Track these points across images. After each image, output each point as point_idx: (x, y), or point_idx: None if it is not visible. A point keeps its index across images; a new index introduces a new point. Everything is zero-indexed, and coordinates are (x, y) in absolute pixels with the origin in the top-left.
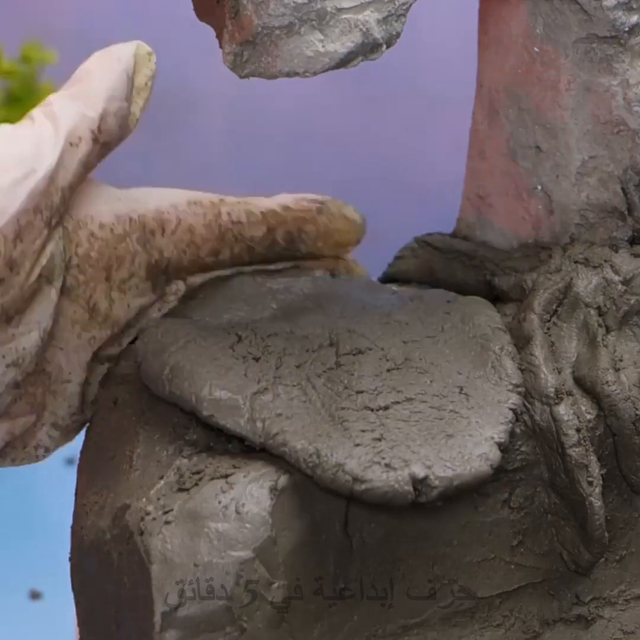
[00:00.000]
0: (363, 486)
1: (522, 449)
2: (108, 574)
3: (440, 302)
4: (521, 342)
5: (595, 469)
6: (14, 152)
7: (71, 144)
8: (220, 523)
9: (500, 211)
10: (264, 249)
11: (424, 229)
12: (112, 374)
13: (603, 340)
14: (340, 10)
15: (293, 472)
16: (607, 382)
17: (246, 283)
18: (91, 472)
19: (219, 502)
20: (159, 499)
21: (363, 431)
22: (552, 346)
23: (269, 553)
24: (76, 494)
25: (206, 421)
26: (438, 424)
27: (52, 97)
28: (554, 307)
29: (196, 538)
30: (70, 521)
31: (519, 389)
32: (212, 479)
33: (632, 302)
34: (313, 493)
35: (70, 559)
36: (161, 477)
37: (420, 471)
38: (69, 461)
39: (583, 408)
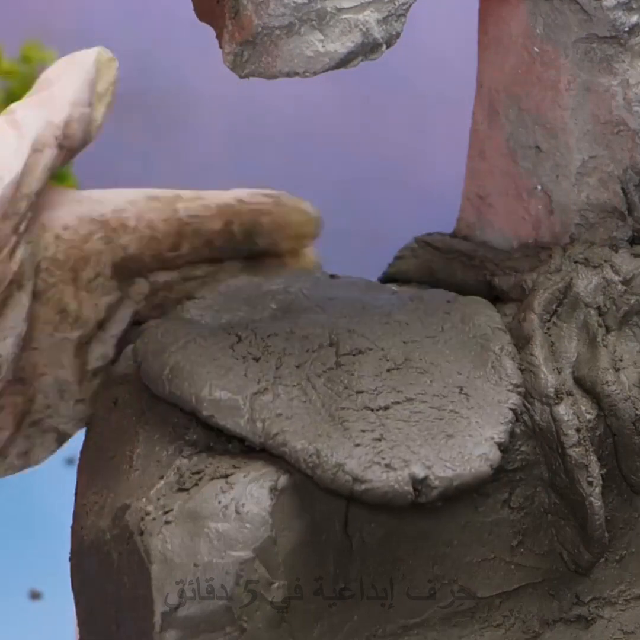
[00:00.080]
0: (363, 486)
1: (522, 449)
2: (108, 574)
3: (440, 302)
4: (521, 342)
5: (595, 469)
6: None
7: (36, 151)
8: (220, 523)
9: (500, 211)
10: (222, 242)
11: (424, 229)
12: (112, 374)
13: (603, 340)
14: (340, 10)
15: (293, 472)
16: (607, 382)
17: (245, 283)
18: (91, 472)
19: (219, 502)
20: (159, 499)
21: (363, 431)
22: (552, 346)
23: (269, 553)
24: (76, 494)
25: (206, 421)
26: (438, 424)
27: (15, 105)
28: (554, 307)
29: (196, 538)
30: (70, 521)
31: (519, 389)
32: (212, 479)
33: (632, 302)
34: (313, 493)
35: (70, 559)
36: (161, 477)
37: (420, 471)
38: (69, 461)
39: (583, 408)
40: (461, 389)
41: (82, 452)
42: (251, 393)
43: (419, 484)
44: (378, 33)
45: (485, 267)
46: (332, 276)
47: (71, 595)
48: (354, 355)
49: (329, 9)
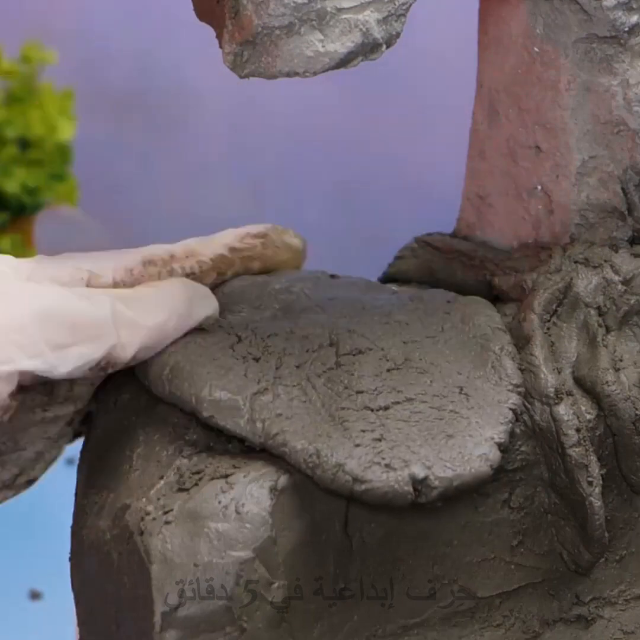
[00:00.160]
0: (363, 486)
1: (522, 449)
2: (108, 574)
3: (440, 302)
4: (521, 342)
5: (595, 469)
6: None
7: None
8: (220, 523)
9: (500, 211)
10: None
11: (424, 229)
12: (112, 374)
13: (603, 340)
14: (340, 10)
15: (293, 472)
16: (607, 382)
17: (249, 283)
18: (91, 472)
19: (219, 502)
20: (159, 499)
21: (363, 431)
22: (552, 346)
23: (269, 553)
24: (76, 494)
25: (206, 422)
26: (438, 424)
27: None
28: (554, 307)
29: (196, 538)
30: (70, 521)
31: (519, 389)
32: (212, 479)
33: (632, 302)
34: (313, 493)
35: (70, 559)
36: (161, 477)
37: (420, 471)
38: (69, 461)
39: (583, 408)
40: (461, 389)
41: (82, 452)
42: (251, 393)
43: (419, 484)
44: (378, 33)
45: (485, 267)
46: (332, 276)
47: (71, 595)
48: (354, 355)
49: (329, 9)
